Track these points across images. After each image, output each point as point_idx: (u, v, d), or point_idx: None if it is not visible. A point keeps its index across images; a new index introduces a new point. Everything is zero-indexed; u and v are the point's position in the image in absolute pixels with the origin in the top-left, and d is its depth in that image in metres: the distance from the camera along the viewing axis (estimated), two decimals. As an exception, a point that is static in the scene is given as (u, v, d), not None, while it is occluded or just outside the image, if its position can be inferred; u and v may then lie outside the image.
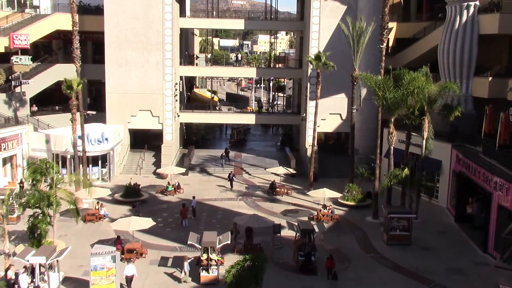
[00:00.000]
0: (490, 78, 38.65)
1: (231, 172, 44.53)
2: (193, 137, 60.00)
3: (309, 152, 46.19)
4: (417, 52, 47.06)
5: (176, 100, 50.21)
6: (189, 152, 51.46)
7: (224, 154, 50.76)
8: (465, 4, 39.06)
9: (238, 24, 56.97)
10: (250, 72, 65.51)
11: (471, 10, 39.12)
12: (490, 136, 34.70)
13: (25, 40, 44.95)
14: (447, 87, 33.60)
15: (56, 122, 46.40)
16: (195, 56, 61.29)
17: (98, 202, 35.08)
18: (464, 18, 39.28)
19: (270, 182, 42.88)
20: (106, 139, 43.84)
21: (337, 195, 37.24)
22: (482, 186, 30.64)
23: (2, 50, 44.97)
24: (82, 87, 39.31)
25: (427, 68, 33.71)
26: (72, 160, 41.62)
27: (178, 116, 51.55)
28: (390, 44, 49.97)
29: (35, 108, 47.74)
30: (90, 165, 43.26)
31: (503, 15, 38.07)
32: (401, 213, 31.16)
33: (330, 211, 35.42)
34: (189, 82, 68.13)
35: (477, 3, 39.25)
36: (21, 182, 38.57)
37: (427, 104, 32.92)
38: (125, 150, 48.81)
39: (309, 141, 47.30)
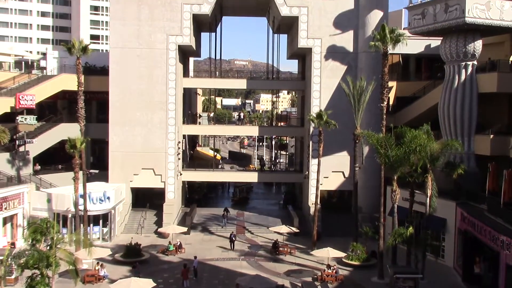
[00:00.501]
0: (492, 136, 38.83)
1: (232, 232, 43.97)
2: (195, 195, 59.71)
3: (312, 211, 45.78)
4: (417, 110, 47.56)
5: (179, 159, 50.38)
6: (191, 210, 51.06)
7: (224, 213, 50.27)
8: (463, 63, 39.88)
9: (241, 84, 57.94)
10: (252, 130, 66.07)
11: (469, 69, 39.89)
12: (495, 193, 34.47)
13: (31, 100, 45.73)
14: (449, 144, 33.67)
15: (58, 181, 46.37)
16: (198, 115, 62.04)
17: (98, 263, 34.49)
18: (463, 77, 39.98)
19: (273, 241, 42.25)
20: (108, 198, 43.64)
21: (341, 254, 36.57)
22: (489, 245, 30.11)
23: (8, 110, 45.61)
24: (85, 146, 39.57)
25: (428, 126, 33.93)
26: (73, 219, 41.27)
27: (181, 174, 51.56)
28: (391, 102, 50.61)
29: (38, 167, 47.85)
30: (91, 225, 42.81)
31: (501, 74, 38.80)
32: (407, 273, 30.41)
33: (334, 271, 34.67)
34: (192, 141, 68.59)
35: (475, 62, 40.07)
36: (13, 244, 38.21)
37: (430, 162, 32.87)
38: (127, 209, 48.49)
39: (312, 199, 46.99)
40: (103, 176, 47.89)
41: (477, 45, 39.60)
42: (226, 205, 55.75)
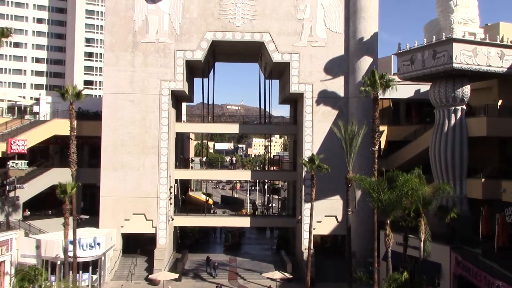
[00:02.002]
0: (483, 180, 38.99)
1: (218, 284, 42.74)
2: (187, 240, 58.96)
3: (305, 256, 45.23)
4: (409, 154, 47.87)
5: (171, 204, 50.00)
6: (183, 256, 50.29)
7: (207, 262, 49.07)
8: (453, 108, 40.46)
9: (233, 128, 58.28)
10: (245, 175, 65.96)
11: (459, 113, 40.45)
12: (488, 237, 34.35)
13: (23, 145, 45.62)
14: (441, 188, 33.72)
15: (48, 226, 45.72)
16: (190, 159, 62.04)
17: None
18: (453, 121, 40.48)
19: (266, 287, 41.46)
20: (98, 244, 42.96)
21: (335, 301, 35.89)
22: (485, 290, 29.71)
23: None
24: (76, 191, 39.25)
25: (420, 170, 34.07)
26: (62, 266, 40.45)
27: (172, 219, 51.05)
28: (382, 146, 50.94)
29: (27, 213, 47.28)
30: (80, 272, 41.92)
31: (490, 119, 39.37)
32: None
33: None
34: (184, 185, 68.29)
35: (464, 107, 40.68)
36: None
37: (422, 206, 32.81)
38: (117, 255, 47.67)
39: (305, 244, 46.52)
40: (93, 221, 47.33)
41: (466, 90, 40.33)
42: (218, 250, 54.96)
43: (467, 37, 38.95)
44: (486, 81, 43.19)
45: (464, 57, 38.13)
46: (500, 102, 42.74)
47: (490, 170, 40.82)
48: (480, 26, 41.71)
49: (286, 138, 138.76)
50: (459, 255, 34.45)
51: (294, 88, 49.80)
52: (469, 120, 40.57)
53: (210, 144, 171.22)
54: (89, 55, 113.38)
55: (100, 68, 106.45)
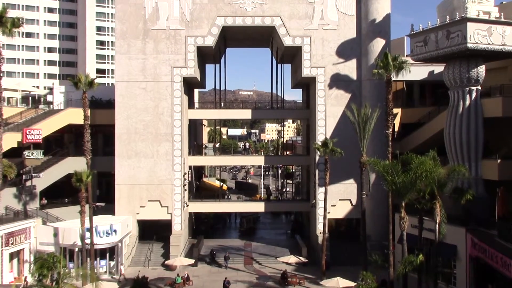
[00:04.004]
0: (499, 161, 38.57)
1: (226, 278, 42.43)
2: (202, 226, 59.38)
3: (320, 240, 45.35)
4: (423, 137, 47.49)
5: (185, 190, 50.31)
6: (198, 242, 50.70)
7: (211, 255, 48.20)
8: (467, 89, 39.94)
9: (246, 114, 58.21)
10: (258, 160, 66.06)
11: (474, 94, 39.93)
12: (504, 219, 34.08)
13: (38, 135, 46.08)
14: (456, 170, 33.44)
15: (65, 215, 46.36)
16: (203, 145, 62.22)
17: (105, 297, 34.03)
18: (468, 102, 39.99)
19: (282, 271, 41.74)
20: (115, 231, 43.46)
21: (351, 284, 36.03)
22: (501, 272, 29.59)
23: (15, 145, 45.91)
24: (91, 179, 39.63)
25: (434, 152, 33.78)
26: (79, 253, 41.05)
27: (187, 205, 51.41)
28: (396, 129, 50.55)
29: (44, 201, 47.89)
30: (98, 258, 42.54)
31: (505, 99, 38.78)
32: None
33: (344, 301, 34.08)
34: (198, 172, 68.58)
35: (479, 87, 40.15)
36: (25, 279, 37.89)
37: (437, 188, 32.58)
38: (134, 241, 48.22)
39: (320, 228, 46.61)
40: (109, 209, 47.82)
41: (480, 71, 39.74)
42: (233, 236, 55.29)
43: (482, 16, 38.28)
44: (502, 61, 42.51)
45: (478, 37, 37.52)
46: (516, 82, 42.09)
47: (506, 151, 40.35)
48: (495, 5, 40.93)
49: (299, 123, 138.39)
50: (475, 237, 34.26)
51: (306, 72, 49.52)
52: (484, 100, 40.03)
53: (223, 130, 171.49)
54: (101, 43, 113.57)
55: (112, 56, 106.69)
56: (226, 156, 61.87)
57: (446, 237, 34.26)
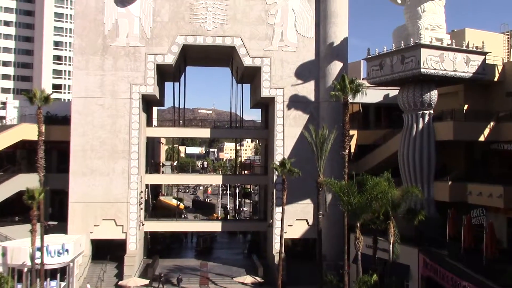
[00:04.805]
0: (450, 183, 39.82)
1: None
2: (158, 246, 58.42)
3: (276, 260, 45.35)
4: (378, 158, 48.53)
5: (141, 209, 49.51)
6: (153, 262, 49.81)
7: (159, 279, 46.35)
8: (421, 112, 41.21)
9: (204, 133, 58.08)
10: (216, 179, 65.72)
11: (426, 118, 41.22)
12: (455, 239, 35.04)
13: (-12, 150, 44.54)
14: (409, 191, 34.32)
15: (15, 233, 44.66)
16: (161, 164, 61.54)
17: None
18: (421, 125, 41.22)
19: (238, 292, 41.46)
20: (67, 250, 42.20)
21: (306, 304, 36.06)
22: (452, 291, 30.31)
23: (-36, 161, 44.24)
24: (44, 196, 38.50)
25: (389, 174, 34.58)
26: (29, 273, 39.58)
27: (143, 224, 50.53)
28: (352, 150, 51.50)
29: (-7, 219, 46.16)
30: (48, 279, 41.10)
31: (456, 123, 40.25)
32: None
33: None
34: (155, 190, 67.70)
35: (431, 111, 41.49)
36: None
37: (391, 209, 33.32)
38: (86, 261, 46.92)
39: (277, 248, 46.65)
40: (62, 227, 46.52)
41: (433, 95, 41.14)
42: (189, 255, 54.63)
43: (434, 43, 39.80)
44: (453, 86, 44.17)
45: (431, 62, 38.92)
46: (466, 107, 43.76)
47: (457, 173, 41.72)
48: (447, 32, 42.64)
49: (257, 142, 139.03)
50: (426, 257, 35.05)
51: (265, 92, 49.99)
52: (436, 124, 41.39)
53: (181, 148, 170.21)
54: (58, 58, 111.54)
55: (69, 71, 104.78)
56: (183, 175, 61.32)
57: (400, 257, 34.93)
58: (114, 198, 47.59)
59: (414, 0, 41.37)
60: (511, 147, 39.63)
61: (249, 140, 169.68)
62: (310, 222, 49.30)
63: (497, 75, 42.51)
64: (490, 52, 41.92)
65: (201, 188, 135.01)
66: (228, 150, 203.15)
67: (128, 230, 47.60)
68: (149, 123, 56.21)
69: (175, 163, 67.04)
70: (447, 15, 41.95)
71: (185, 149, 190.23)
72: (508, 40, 47.06)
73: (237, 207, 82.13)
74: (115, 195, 47.64)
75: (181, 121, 60.07)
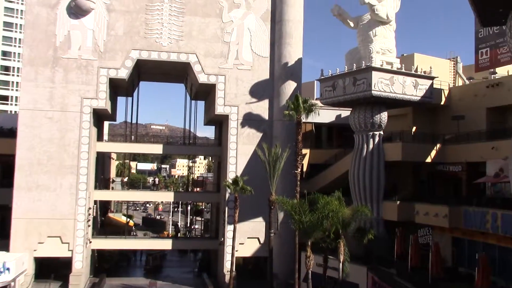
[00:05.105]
0: (398, 202, 40.76)
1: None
2: (105, 264, 56.76)
3: (227, 278, 44.93)
4: (330, 177, 49.18)
5: (89, 226, 48.08)
6: (100, 281, 48.34)
7: None
8: (371, 133, 42.20)
9: (157, 149, 57.32)
10: (167, 196, 64.92)
11: (376, 139, 42.23)
12: (402, 258, 35.78)
13: None
14: (359, 210, 34.91)
15: (-48, 250, 42.49)
16: (111, 180, 60.18)
17: None
18: (371, 146, 42.18)
19: (187, 311, 40.74)
20: (8, 269, 40.29)
21: (257, 323, 35.82)
22: (399, 309, 30.82)
23: None
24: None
25: (340, 193, 35.10)
26: (-34, 293, 37.64)
27: (90, 242, 49.05)
28: (304, 169, 52.03)
29: None
30: (-13, 299, 39.22)
31: (405, 144, 41.39)
32: None
33: None
34: (104, 207, 66.03)
35: (381, 132, 42.55)
36: None
37: (342, 227, 33.76)
38: (29, 280, 44.99)
39: (227, 267, 46.25)
40: (4, 245, 44.47)
41: (383, 117, 42.25)
42: (138, 274, 53.37)
43: (385, 66, 40.99)
44: (402, 109, 45.50)
45: (382, 85, 40.03)
46: (414, 129, 45.12)
47: (405, 193, 42.79)
48: (397, 56, 44.08)
49: (210, 160, 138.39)
50: (375, 275, 35.58)
51: (219, 110, 49.96)
52: (386, 145, 42.44)
53: (133, 164, 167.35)
54: (6, 69, 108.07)
55: (17, 82, 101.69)
56: (134, 191, 60.12)
57: (349, 276, 35.31)
58: (61, 214, 46.04)
59: (366, 25, 42.60)
60: (456, 169, 41.10)
61: (202, 157, 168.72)
62: (262, 240, 49.22)
63: (443, 99, 44.19)
64: (437, 77, 43.57)
65: (150, 205, 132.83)
66: (181, 167, 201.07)
67: (74, 247, 46.07)
68: (99, 137, 54.99)
69: (125, 179, 65.79)
70: (397, 40, 43.42)
71: (136, 165, 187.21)
72: (454, 66, 49.17)
73: (188, 225, 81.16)
74: (62, 211, 46.11)
75: (133, 137, 59.10)
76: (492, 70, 44.73)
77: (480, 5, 26.88)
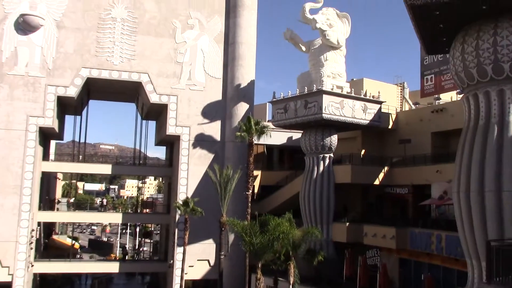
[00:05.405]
0: (347, 224, 41.34)
1: None
2: (48, 289, 54.50)
3: (176, 302, 44.03)
4: (281, 199, 49.41)
5: (31, 248, 46.13)
6: (43, 306, 46.33)
7: None
8: (321, 156, 42.85)
9: (105, 169, 55.99)
10: (115, 217, 63.10)
11: (327, 161, 42.91)
12: (351, 279, 36.14)
13: None
14: (310, 232, 35.12)
15: None
16: (56, 200, 58.20)
17: None
18: (321, 168, 42.78)
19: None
20: None
21: None
22: (348, 331, 31.00)
23: None
24: None
25: (290, 214, 35.27)
26: None
27: (32, 266, 47.00)
28: (256, 191, 52.09)
29: None
30: None
31: (354, 167, 42.22)
32: None
33: None
34: (48, 228, 63.69)
35: (332, 155, 43.27)
36: None
37: (292, 249, 33.82)
38: (-35, 306, 42.66)
39: (177, 290, 45.35)
40: None
41: (333, 139, 43.04)
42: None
43: (335, 90, 41.90)
44: (352, 132, 46.54)
45: (332, 108, 40.84)
46: (363, 152, 46.16)
47: (354, 215, 43.49)
48: (347, 81, 45.16)
49: (161, 180, 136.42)
50: (325, 297, 35.73)
51: (171, 130, 49.48)
52: (336, 167, 43.15)
53: (80, 184, 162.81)
54: None
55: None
56: (80, 212, 58.31)
57: (299, 298, 35.30)
58: (1, 236, 43.93)
59: (318, 49, 43.53)
60: (403, 191, 42.20)
61: (152, 178, 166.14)
62: (212, 262, 48.61)
63: (391, 123, 45.50)
64: (385, 101, 44.91)
65: (97, 226, 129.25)
66: (130, 188, 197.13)
67: (15, 271, 43.96)
68: (45, 157, 53.22)
69: (72, 200, 63.78)
70: (347, 64, 44.64)
71: (83, 185, 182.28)
72: (401, 91, 50.85)
73: (137, 247, 79.30)
74: (3, 233, 44.04)
75: (80, 156, 57.54)
76: (436, 96, 46.52)
77: (425, 33, 28.07)
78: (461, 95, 31.48)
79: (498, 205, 24.43)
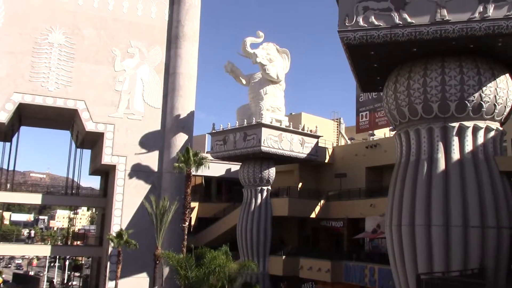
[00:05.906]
0: (284, 257, 41.39)
1: None
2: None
3: None
4: (218, 231, 48.92)
5: (-51, 283, 43.12)
6: None
7: None
8: (259, 188, 42.99)
9: (35, 199, 53.44)
10: (44, 250, 60.21)
11: (264, 194, 43.08)
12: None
13: None
14: (246, 265, 34.88)
15: None
16: (-21, 231, 54.89)
17: None
18: (259, 200, 42.88)
19: None
20: None
21: None
22: None
23: None
24: None
25: (227, 247, 34.94)
26: None
27: (-51, 301, 43.88)
28: (193, 223, 51.34)
29: None
30: None
31: (291, 199, 42.60)
32: None
33: None
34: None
35: (269, 187, 43.52)
36: None
37: (228, 283, 33.39)
38: None
39: (107, 326, 43.45)
40: None
41: (271, 172, 43.38)
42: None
43: (274, 124, 42.48)
44: (289, 165, 47.12)
45: (271, 141, 41.29)
46: (300, 185, 46.74)
47: (291, 248, 43.65)
48: (286, 115, 45.96)
49: (94, 211, 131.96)
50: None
51: (106, 159, 48.20)
52: (273, 200, 43.38)
53: (6, 214, 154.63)
54: None
55: None
56: (5, 244, 55.15)
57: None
58: None
59: (258, 83, 44.20)
60: (338, 224, 42.91)
61: (85, 208, 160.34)
62: (145, 297, 47.09)
63: (327, 157, 46.50)
64: (322, 136, 45.97)
65: (23, 260, 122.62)
66: (61, 218, 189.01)
67: None
68: (-30, 184, 50.37)
69: (-4, 231, 60.34)
70: (286, 99, 45.48)
71: (10, 215, 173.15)
72: (337, 126, 52.29)
73: (66, 281, 75.66)
74: None
75: (8, 185, 54.79)
76: (371, 132, 48.14)
77: (360, 72, 29.21)
78: (394, 132, 32.76)
79: (427, 238, 25.29)
